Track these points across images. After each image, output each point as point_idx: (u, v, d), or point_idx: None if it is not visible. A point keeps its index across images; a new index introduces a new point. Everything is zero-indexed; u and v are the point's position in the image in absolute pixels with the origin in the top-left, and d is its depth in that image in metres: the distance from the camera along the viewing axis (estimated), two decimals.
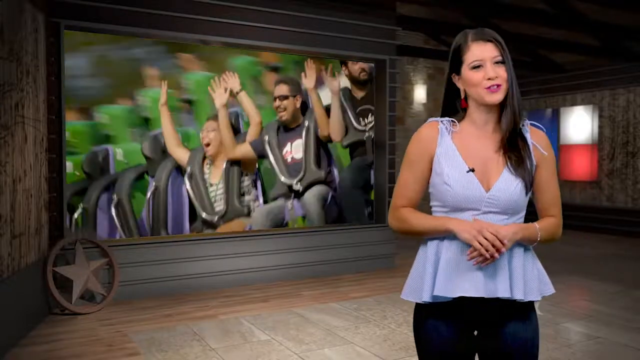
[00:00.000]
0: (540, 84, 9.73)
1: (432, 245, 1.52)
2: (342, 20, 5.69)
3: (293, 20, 5.46)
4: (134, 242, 4.79)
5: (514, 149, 1.51)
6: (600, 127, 8.87)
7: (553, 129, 9.40)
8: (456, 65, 1.54)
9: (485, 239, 1.40)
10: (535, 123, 1.59)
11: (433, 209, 1.58)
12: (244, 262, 5.25)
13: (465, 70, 1.51)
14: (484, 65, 1.48)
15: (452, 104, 1.61)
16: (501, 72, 1.48)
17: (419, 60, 9.21)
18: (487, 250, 1.40)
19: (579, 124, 9.06)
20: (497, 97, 1.49)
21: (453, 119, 1.57)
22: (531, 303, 1.57)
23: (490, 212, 1.49)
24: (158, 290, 4.83)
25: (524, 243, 1.50)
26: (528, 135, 1.55)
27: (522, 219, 1.55)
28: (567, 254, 6.86)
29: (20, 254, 3.67)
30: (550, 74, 9.41)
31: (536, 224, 1.52)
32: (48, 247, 4.37)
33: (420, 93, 9.25)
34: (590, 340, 3.70)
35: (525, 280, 1.50)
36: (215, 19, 5.04)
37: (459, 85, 1.56)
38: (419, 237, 1.57)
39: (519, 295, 1.46)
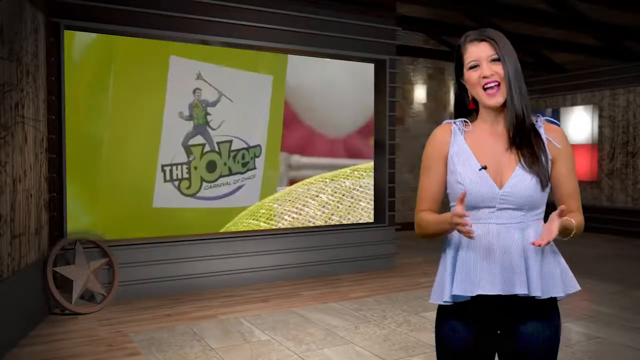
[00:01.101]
0: (540, 84, 9.73)
1: (450, 249, 1.54)
2: (342, 20, 5.69)
3: (293, 20, 5.46)
4: (134, 242, 4.79)
5: (527, 145, 1.51)
6: (600, 127, 8.87)
7: None
8: (459, 68, 1.56)
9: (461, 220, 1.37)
10: (550, 119, 1.58)
11: (452, 209, 1.59)
12: (244, 262, 5.25)
13: (465, 71, 1.53)
14: (480, 65, 1.49)
15: (463, 107, 1.62)
16: (497, 70, 1.48)
17: (419, 60, 9.21)
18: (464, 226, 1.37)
19: (579, 124, 9.06)
20: (497, 99, 1.49)
21: (466, 120, 1.59)
22: (553, 302, 1.56)
23: (505, 208, 1.49)
24: (158, 290, 4.84)
25: (560, 233, 1.44)
26: (542, 131, 1.54)
27: (542, 215, 1.54)
28: (568, 254, 6.84)
29: (20, 254, 3.67)
30: (550, 74, 9.42)
31: (573, 220, 1.48)
32: (48, 247, 4.37)
33: (420, 93, 9.25)
34: (590, 340, 3.70)
35: (544, 277, 1.49)
36: (215, 19, 5.04)
37: (467, 87, 1.57)
38: (440, 238, 1.59)
39: (536, 292, 1.45)
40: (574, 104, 9.27)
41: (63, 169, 4.47)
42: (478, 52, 1.49)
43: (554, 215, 1.38)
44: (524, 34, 7.61)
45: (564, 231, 1.46)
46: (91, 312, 4.31)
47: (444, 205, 1.59)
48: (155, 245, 4.85)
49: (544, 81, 9.66)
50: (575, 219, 1.52)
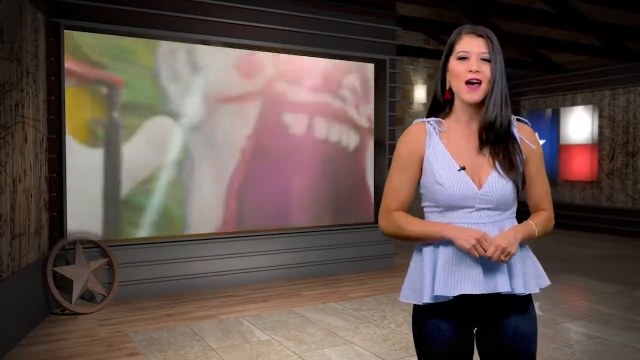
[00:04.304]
0: (540, 84, 9.73)
1: (428, 248, 1.53)
2: (342, 20, 5.69)
3: (293, 20, 5.47)
4: (134, 242, 4.79)
5: (502, 147, 1.52)
6: (600, 127, 8.87)
7: (553, 129, 9.41)
8: (448, 56, 1.55)
9: (484, 248, 1.43)
10: (520, 118, 1.60)
11: (425, 209, 1.59)
12: (244, 262, 5.25)
13: (452, 60, 1.53)
14: (469, 58, 1.49)
15: (440, 97, 1.61)
16: (485, 69, 1.48)
17: (419, 60, 9.22)
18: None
19: (579, 124, 9.06)
20: (474, 96, 1.49)
21: (439, 119, 1.58)
22: (530, 297, 1.59)
23: (483, 208, 1.50)
24: (158, 290, 4.84)
25: (523, 242, 1.52)
26: (515, 130, 1.56)
27: (514, 213, 1.57)
28: (567, 254, 6.86)
29: (20, 254, 3.67)
30: (550, 74, 9.41)
31: (531, 222, 1.54)
32: (48, 247, 4.37)
33: (420, 93, 9.25)
34: (590, 340, 3.70)
35: (524, 273, 1.52)
36: (215, 19, 5.04)
37: (447, 76, 1.57)
38: (413, 241, 1.57)
39: (519, 289, 1.48)
40: (574, 104, 9.27)
41: (63, 169, 4.47)
42: (471, 46, 1.49)
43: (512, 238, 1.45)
44: (524, 34, 7.61)
45: (527, 240, 1.53)
46: (91, 312, 4.31)
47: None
48: (155, 245, 4.85)
49: (544, 81, 9.66)
50: (538, 219, 1.57)
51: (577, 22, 6.73)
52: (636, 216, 8.35)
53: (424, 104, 9.34)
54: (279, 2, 5.37)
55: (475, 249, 1.42)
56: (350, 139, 5.90)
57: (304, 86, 5.58)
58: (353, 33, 5.77)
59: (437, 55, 8.78)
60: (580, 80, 9.09)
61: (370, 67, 5.99)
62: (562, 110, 9.32)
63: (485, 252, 1.42)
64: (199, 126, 5.06)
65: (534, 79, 9.77)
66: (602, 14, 6.78)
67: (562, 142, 9.29)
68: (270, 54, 5.38)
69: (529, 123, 1.60)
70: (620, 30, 6.93)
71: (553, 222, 1.61)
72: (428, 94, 9.35)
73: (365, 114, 5.98)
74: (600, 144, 8.88)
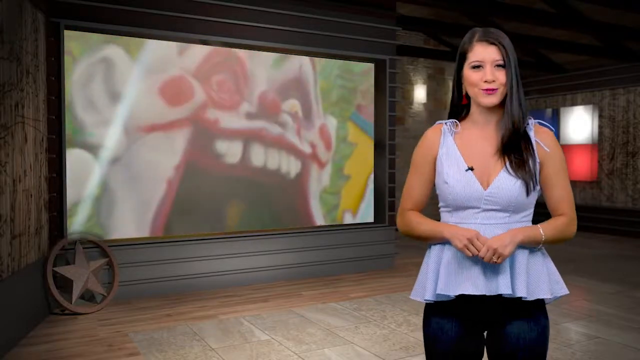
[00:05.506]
0: (540, 84, 9.74)
1: (435, 247, 1.55)
2: (342, 20, 5.69)
3: (293, 20, 5.46)
4: (134, 242, 4.79)
5: (515, 149, 1.51)
6: (600, 127, 8.87)
7: (553, 129, 9.40)
8: (461, 63, 1.55)
9: (476, 248, 1.43)
10: (543, 122, 1.58)
11: (440, 210, 1.60)
12: (244, 262, 5.25)
13: (466, 68, 1.53)
14: (484, 67, 1.49)
15: (458, 100, 1.62)
16: (500, 76, 1.48)
17: (419, 60, 9.21)
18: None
19: (579, 124, 9.07)
20: (492, 100, 1.49)
21: (456, 120, 1.60)
22: (540, 304, 1.54)
23: (490, 209, 1.49)
24: (158, 290, 4.84)
25: (526, 246, 1.48)
26: (532, 134, 1.54)
27: (529, 217, 1.54)
28: (567, 254, 6.86)
29: (20, 254, 3.67)
30: (550, 74, 9.42)
31: (539, 226, 1.49)
32: (48, 247, 4.37)
33: (420, 93, 9.25)
34: (590, 340, 3.70)
35: (530, 278, 1.48)
36: (215, 19, 5.04)
37: (462, 82, 1.57)
38: (424, 241, 1.59)
39: (521, 293, 1.45)
40: (574, 104, 9.27)
41: (63, 169, 4.47)
42: (484, 54, 1.49)
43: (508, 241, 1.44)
44: (524, 34, 7.61)
45: (530, 244, 1.48)
46: (91, 312, 4.31)
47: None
48: (155, 245, 4.85)
49: (544, 81, 9.66)
50: (550, 224, 1.51)
51: (577, 22, 6.73)
52: (636, 216, 8.35)
53: (424, 104, 9.34)
54: (279, 2, 5.37)
55: (467, 249, 1.43)
56: (291, 165, 5.54)
57: (238, 111, 5.22)
58: (353, 33, 5.77)
59: (437, 55, 8.80)
60: (580, 80, 9.09)
61: (316, 87, 5.67)
62: (562, 110, 9.32)
63: (479, 252, 1.42)
64: (119, 158, 4.71)
65: (534, 79, 9.77)
66: (602, 14, 6.78)
67: (562, 142, 9.28)
68: (198, 76, 5.01)
69: (550, 127, 1.57)
70: (620, 30, 6.93)
71: (573, 227, 1.54)
72: (428, 94, 9.35)
73: (307, 138, 5.61)
74: (600, 144, 8.88)
